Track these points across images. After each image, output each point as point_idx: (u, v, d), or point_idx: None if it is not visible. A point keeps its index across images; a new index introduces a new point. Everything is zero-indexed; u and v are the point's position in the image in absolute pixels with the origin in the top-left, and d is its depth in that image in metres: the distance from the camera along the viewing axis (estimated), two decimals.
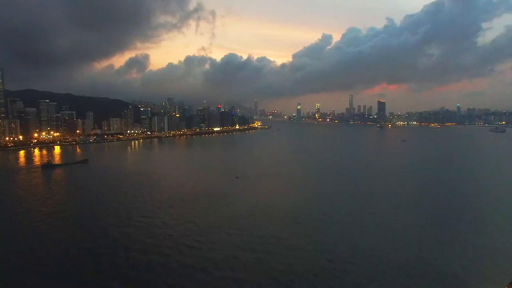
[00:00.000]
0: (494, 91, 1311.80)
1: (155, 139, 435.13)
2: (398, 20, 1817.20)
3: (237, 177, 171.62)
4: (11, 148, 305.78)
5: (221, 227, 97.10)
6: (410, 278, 67.75)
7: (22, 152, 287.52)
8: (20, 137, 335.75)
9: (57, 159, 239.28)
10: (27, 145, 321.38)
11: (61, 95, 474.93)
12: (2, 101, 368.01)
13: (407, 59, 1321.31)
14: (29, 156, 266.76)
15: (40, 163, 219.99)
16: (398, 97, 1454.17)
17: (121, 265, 73.67)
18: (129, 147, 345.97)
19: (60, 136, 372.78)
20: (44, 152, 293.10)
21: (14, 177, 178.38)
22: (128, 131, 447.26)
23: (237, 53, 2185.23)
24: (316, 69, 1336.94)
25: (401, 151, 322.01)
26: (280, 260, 75.66)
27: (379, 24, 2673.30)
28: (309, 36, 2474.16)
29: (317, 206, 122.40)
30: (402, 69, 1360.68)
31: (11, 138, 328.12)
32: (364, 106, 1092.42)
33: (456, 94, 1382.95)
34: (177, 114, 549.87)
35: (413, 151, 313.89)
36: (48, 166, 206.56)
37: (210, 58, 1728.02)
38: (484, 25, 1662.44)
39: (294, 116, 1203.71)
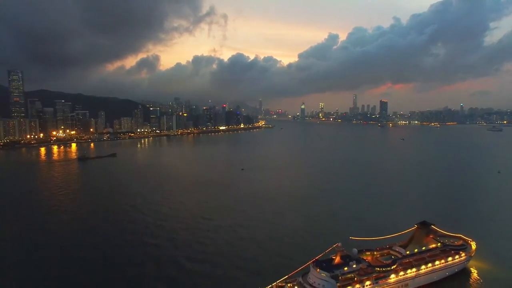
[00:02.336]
0: (500, 91, 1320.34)
1: (164, 137, 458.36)
2: (404, 19, 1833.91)
3: (242, 169, 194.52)
4: (34, 145, 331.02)
5: (228, 205, 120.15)
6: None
7: (43, 149, 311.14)
8: (41, 135, 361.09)
9: (87, 153, 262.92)
10: (47, 142, 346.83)
11: (73, 95, 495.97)
12: (22, 101, 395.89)
13: (413, 59, 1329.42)
14: (55, 152, 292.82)
15: (77, 156, 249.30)
16: (403, 96, 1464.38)
17: (140, 233, 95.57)
18: (143, 144, 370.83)
19: (76, 134, 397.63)
20: (62, 148, 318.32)
21: (57, 167, 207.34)
22: (138, 130, 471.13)
23: (244, 53, 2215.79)
24: (322, 69, 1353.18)
25: (397, 148, 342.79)
26: (274, 227, 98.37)
27: (386, 23, 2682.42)
28: (316, 35, 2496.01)
29: (308, 190, 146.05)
30: (407, 68, 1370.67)
31: (32, 136, 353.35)
32: (368, 106, 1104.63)
33: (461, 93, 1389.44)
34: (185, 113, 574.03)
35: (409, 148, 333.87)
36: (83, 158, 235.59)
37: (218, 58, 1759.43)
38: (492, 24, 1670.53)
39: (298, 115, 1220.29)
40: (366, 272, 59.36)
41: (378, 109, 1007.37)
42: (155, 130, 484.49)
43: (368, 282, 58.38)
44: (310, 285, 56.91)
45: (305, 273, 60.09)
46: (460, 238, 73.68)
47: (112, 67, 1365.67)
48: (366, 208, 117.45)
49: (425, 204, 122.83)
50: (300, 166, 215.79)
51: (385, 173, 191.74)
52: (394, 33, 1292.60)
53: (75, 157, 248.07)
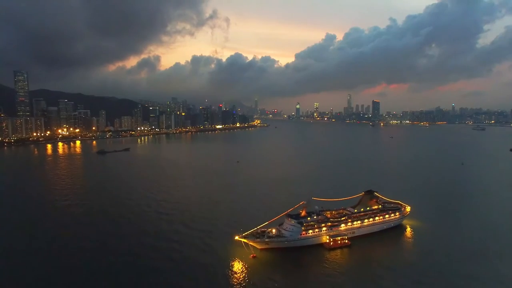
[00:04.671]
0: (492, 91, 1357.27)
1: (163, 135, 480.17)
2: (401, 20, 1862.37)
3: (237, 162, 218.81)
4: (42, 142, 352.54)
5: (225, 188, 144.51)
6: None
7: (49, 146, 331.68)
8: (47, 132, 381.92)
9: (101, 148, 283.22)
10: (53, 140, 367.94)
11: (72, 95, 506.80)
12: (27, 101, 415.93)
13: (408, 60, 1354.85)
14: (65, 148, 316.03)
15: (96, 150, 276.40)
16: (398, 96, 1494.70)
17: (154, 207, 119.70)
18: (145, 142, 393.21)
19: (80, 132, 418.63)
20: (67, 145, 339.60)
21: (81, 159, 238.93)
22: (138, 128, 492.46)
23: (242, 53, 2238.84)
24: (319, 70, 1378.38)
25: (384, 144, 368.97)
26: (262, 200, 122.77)
27: (382, 23, 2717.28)
28: (313, 35, 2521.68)
29: (293, 176, 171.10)
30: (402, 69, 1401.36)
31: (38, 134, 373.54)
32: (362, 106, 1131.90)
33: (455, 94, 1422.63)
34: (183, 112, 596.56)
35: (395, 144, 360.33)
36: (101, 152, 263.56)
37: (216, 58, 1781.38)
38: (486, 26, 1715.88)
39: (293, 115, 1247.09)
40: (324, 221, 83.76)
41: (371, 109, 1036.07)
42: (155, 128, 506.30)
43: (324, 228, 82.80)
44: (284, 229, 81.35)
45: (280, 223, 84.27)
46: (397, 203, 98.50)
47: (113, 67, 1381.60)
48: (333, 185, 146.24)
49: (384, 181, 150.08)
50: (288, 159, 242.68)
51: (366, 163, 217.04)
52: (390, 34, 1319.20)
53: (94, 151, 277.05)
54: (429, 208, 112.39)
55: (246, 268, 72.20)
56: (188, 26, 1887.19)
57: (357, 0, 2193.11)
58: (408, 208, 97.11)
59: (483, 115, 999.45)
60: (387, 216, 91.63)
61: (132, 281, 67.75)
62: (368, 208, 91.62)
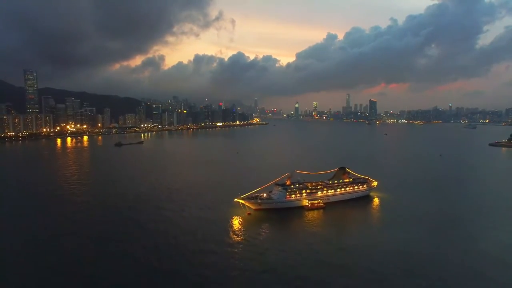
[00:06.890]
0: (490, 91, 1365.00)
1: (166, 132, 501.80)
2: (401, 19, 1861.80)
3: (237, 153, 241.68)
4: (53, 137, 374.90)
5: (226, 171, 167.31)
6: None
7: (59, 140, 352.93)
8: (57, 128, 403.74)
9: (118, 141, 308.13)
10: (63, 135, 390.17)
11: (76, 93, 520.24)
12: (36, 98, 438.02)
13: (408, 60, 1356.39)
14: (76, 142, 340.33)
15: (114, 143, 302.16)
16: (398, 96, 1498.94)
17: (164, 188, 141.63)
18: (151, 137, 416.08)
19: (87, 128, 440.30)
20: (75, 140, 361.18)
21: (102, 150, 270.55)
22: (142, 125, 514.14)
23: (244, 53, 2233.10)
24: (319, 69, 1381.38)
25: (377, 140, 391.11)
26: (257, 178, 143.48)
27: (383, 23, 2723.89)
28: (315, 35, 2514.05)
29: (286, 163, 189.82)
30: (402, 69, 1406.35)
31: (48, 129, 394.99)
32: (361, 105, 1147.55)
33: (454, 94, 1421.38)
34: (184, 110, 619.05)
35: (387, 140, 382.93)
36: (118, 144, 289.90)
37: (218, 57, 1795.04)
38: (486, 27, 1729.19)
39: (292, 114, 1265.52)
40: (304, 189, 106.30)
41: (369, 108, 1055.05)
42: (157, 125, 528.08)
43: (304, 194, 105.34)
44: (273, 194, 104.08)
45: (270, 190, 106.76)
46: (366, 178, 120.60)
47: (118, 66, 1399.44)
48: (314, 165, 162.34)
49: (364, 164, 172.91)
50: (283, 151, 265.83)
51: (353, 151, 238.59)
52: (390, 34, 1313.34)
53: (111, 143, 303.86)
54: (395, 185, 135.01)
55: (242, 222, 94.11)
56: (194, 28, 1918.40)
57: None
58: (375, 183, 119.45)
59: (478, 115, 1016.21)
60: (356, 187, 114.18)
61: (149, 242, 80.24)
62: (340, 181, 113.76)
